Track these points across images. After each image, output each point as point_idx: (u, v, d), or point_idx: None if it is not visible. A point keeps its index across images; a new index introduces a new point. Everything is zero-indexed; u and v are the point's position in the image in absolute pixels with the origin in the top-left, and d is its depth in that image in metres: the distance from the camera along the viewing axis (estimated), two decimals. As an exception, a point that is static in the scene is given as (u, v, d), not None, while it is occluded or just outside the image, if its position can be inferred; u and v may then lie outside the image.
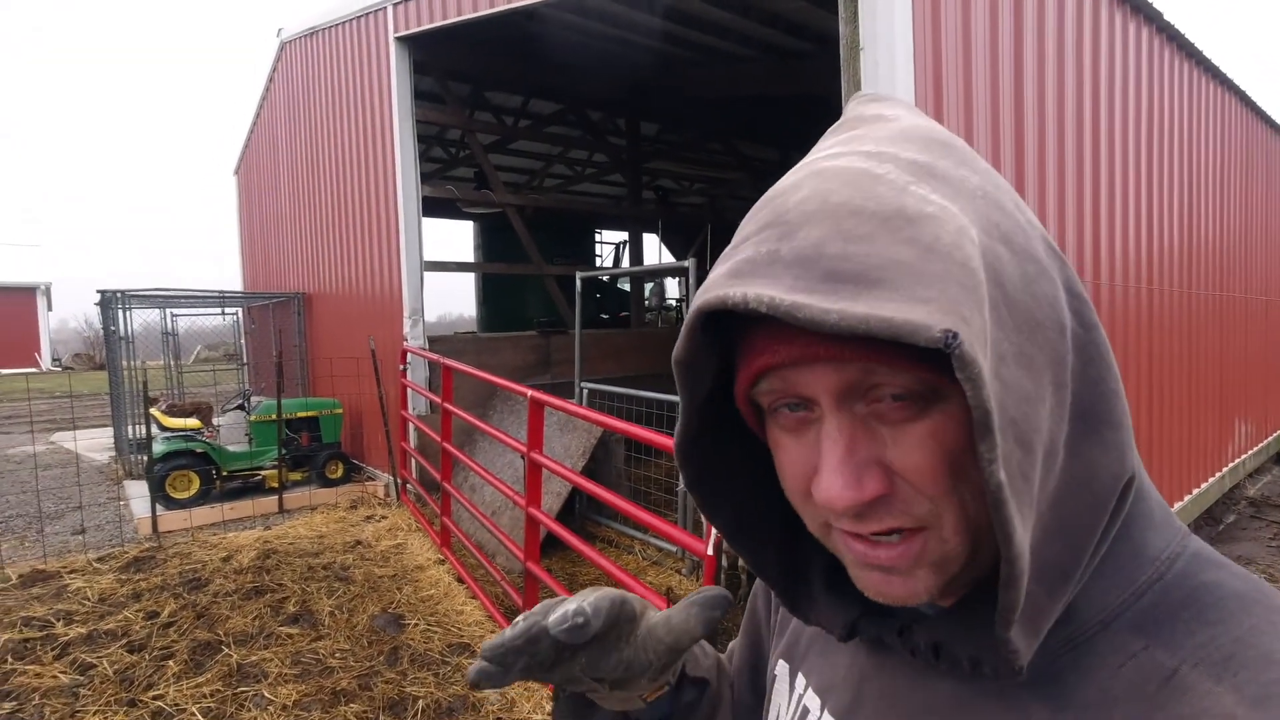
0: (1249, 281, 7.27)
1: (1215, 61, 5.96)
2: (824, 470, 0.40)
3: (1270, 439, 7.83)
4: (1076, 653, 0.41)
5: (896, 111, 0.47)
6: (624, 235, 14.08)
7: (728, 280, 0.39)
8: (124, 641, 3.63)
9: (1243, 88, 6.78)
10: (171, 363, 9.92)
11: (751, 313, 0.37)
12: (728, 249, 0.43)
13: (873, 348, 0.36)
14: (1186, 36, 5.30)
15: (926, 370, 0.37)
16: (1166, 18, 4.91)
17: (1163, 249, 5.23)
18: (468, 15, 5.55)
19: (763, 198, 0.43)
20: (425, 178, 6.76)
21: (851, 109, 0.49)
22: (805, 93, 7.16)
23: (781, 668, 0.63)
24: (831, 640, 0.55)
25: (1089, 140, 4.20)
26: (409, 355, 6.11)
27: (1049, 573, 0.39)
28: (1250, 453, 7.16)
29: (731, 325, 0.43)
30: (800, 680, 0.60)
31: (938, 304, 0.34)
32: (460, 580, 4.46)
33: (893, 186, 0.38)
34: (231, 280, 13.40)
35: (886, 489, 0.39)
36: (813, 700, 0.57)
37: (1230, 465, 6.59)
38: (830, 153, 0.43)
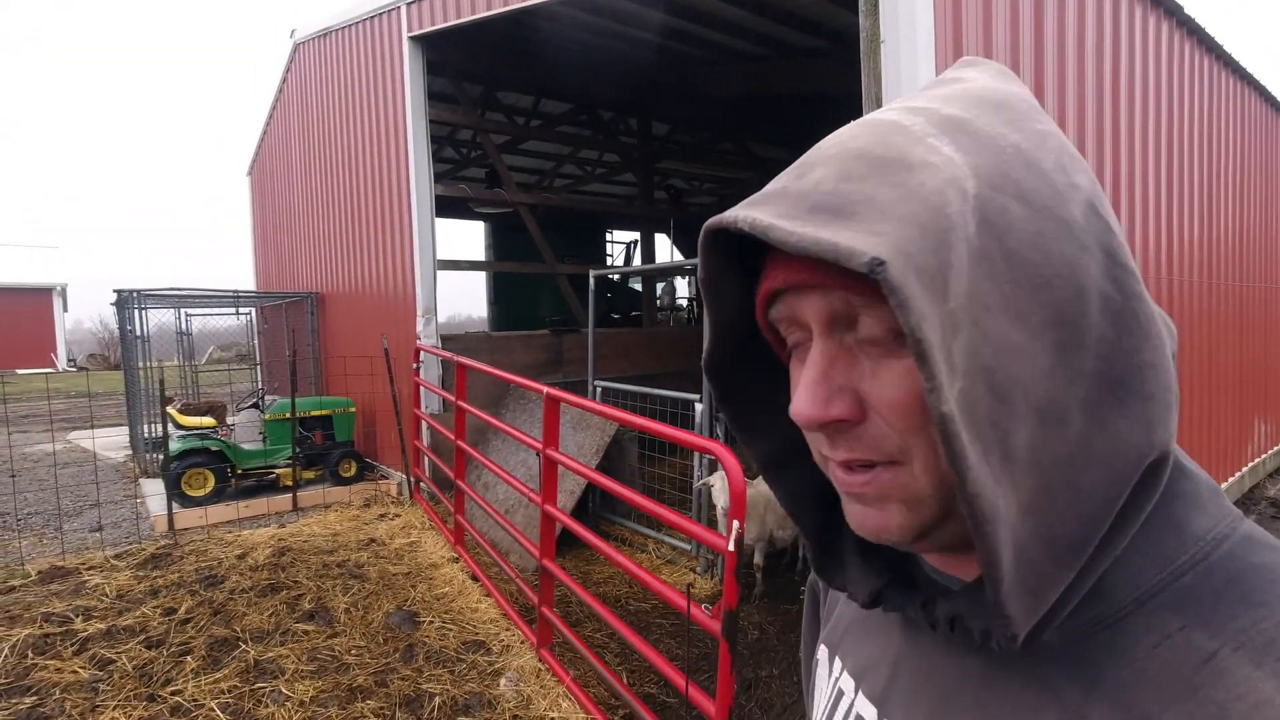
0: (1270, 275, 7.18)
1: (1235, 56, 5.88)
2: (800, 388, 0.43)
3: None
4: (1109, 632, 0.40)
5: (975, 74, 0.46)
6: (635, 235, 14.11)
7: (740, 207, 0.42)
8: (142, 637, 3.65)
9: (1263, 83, 6.70)
10: (186, 363, 10.00)
11: (742, 233, 0.41)
12: None
13: (850, 278, 0.39)
14: (1207, 31, 5.23)
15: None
16: (1187, 11, 4.85)
17: (1182, 242, 5.17)
18: (481, 14, 5.56)
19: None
20: (437, 177, 6.76)
21: (945, 72, 0.50)
22: (818, 91, 7.13)
23: (823, 652, 0.64)
24: (869, 623, 0.57)
25: (1109, 134, 4.15)
26: (422, 353, 6.12)
27: (1056, 543, 0.38)
28: (1270, 452, 7.06)
29: (759, 252, 0.45)
30: (838, 663, 0.60)
31: (886, 237, 0.36)
32: (474, 578, 4.46)
33: (911, 137, 0.40)
34: (244, 280, 13.49)
35: (854, 415, 0.41)
36: (848, 683, 0.57)
37: (1250, 465, 6.50)
38: (887, 107, 0.45)
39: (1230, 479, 5.98)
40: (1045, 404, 0.37)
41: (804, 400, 0.42)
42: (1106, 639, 0.40)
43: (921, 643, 0.50)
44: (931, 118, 0.41)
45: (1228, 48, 5.68)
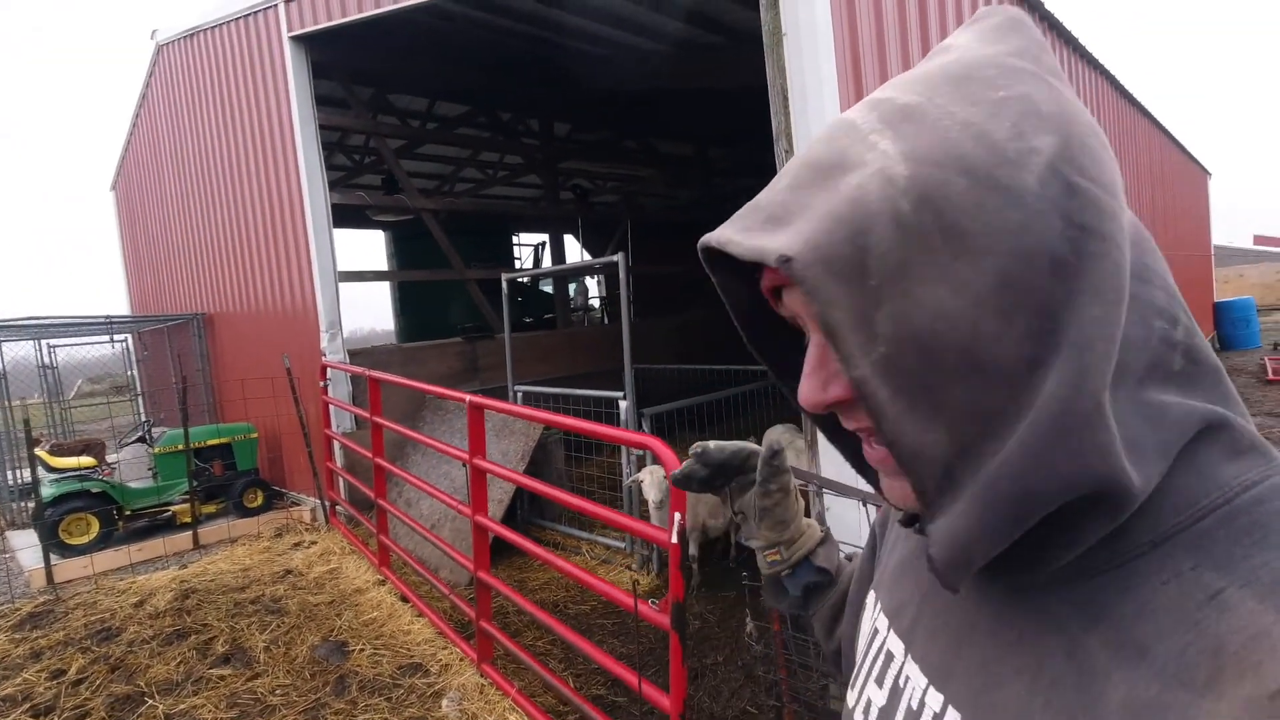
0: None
1: (1091, 50, 6.46)
2: (802, 376, 0.49)
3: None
4: (1123, 570, 0.41)
5: (966, 39, 0.47)
6: (543, 236, 13.94)
7: (725, 224, 0.49)
8: (27, 706, 3.28)
9: (1111, 71, 7.38)
10: (52, 399, 9.05)
11: (721, 249, 0.48)
12: None
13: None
14: (1065, 25, 5.71)
15: None
16: (1056, 16, 5.28)
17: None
18: (369, 12, 5.32)
19: None
20: (331, 185, 6.41)
21: (951, 35, 0.51)
22: (718, 86, 7.28)
23: (871, 597, 0.68)
24: (907, 567, 0.61)
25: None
26: (329, 370, 5.80)
27: (997, 484, 0.39)
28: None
29: None
30: (878, 606, 0.64)
31: (799, 233, 0.41)
32: (404, 599, 4.27)
33: (855, 136, 0.43)
34: (116, 304, 12.35)
35: (851, 395, 0.46)
36: (882, 621, 0.61)
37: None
38: (863, 100, 0.49)
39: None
40: (986, 363, 0.39)
41: (804, 389, 0.48)
42: (1118, 577, 0.41)
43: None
44: (885, 110, 0.43)
45: (1084, 43, 6.22)
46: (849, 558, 0.92)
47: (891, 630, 0.59)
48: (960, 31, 0.49)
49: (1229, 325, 13.94)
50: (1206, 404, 0.43)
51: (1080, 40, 6.16)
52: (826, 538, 0.88)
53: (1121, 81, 7.90)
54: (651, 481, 3.99)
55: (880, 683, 0.57)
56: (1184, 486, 0.41)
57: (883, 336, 0.39)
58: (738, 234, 0.45)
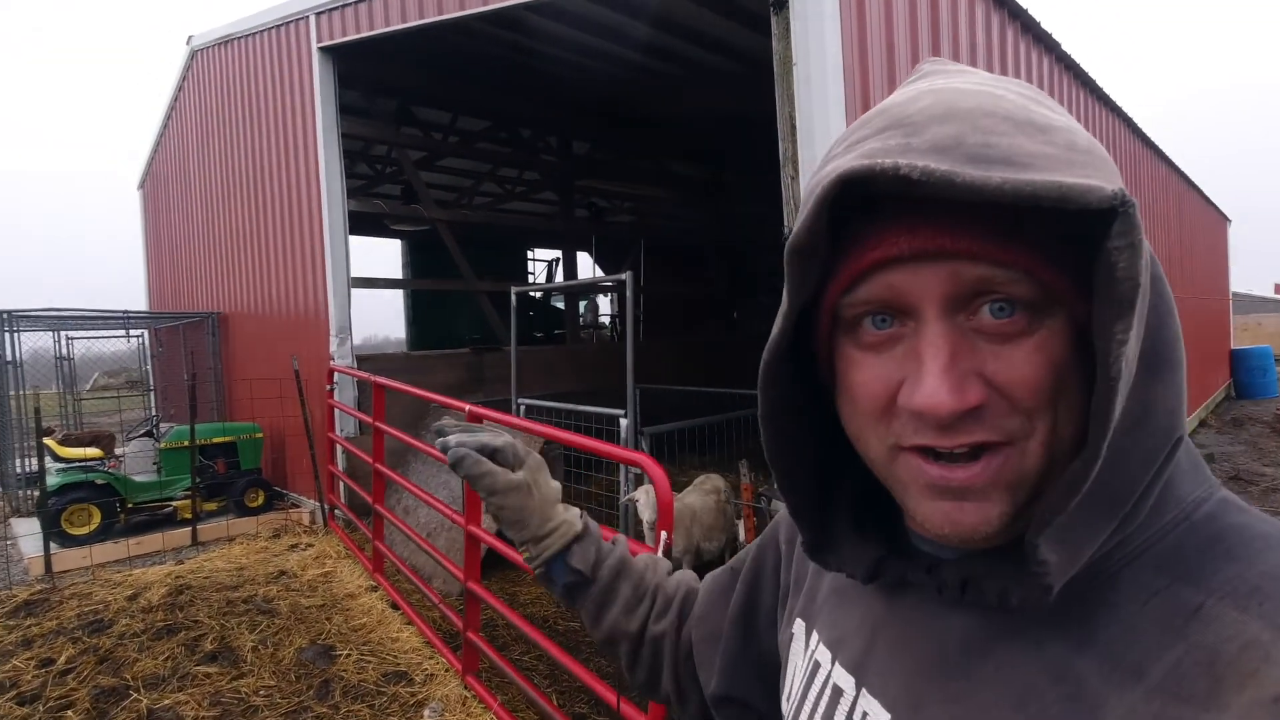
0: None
1: (1109, 93, 6.48)
2: (926, 376, 0.40)
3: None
4: (1099, 589, 0.41)
5: (943, 79, 0.47)
6: (556, 253, 14.06)
7: (863, 158, 0.38)
8: (13, 693, 3.28)
9: (1131, 117, 7.40)
10: (66, 390, 9.17)
11: (894, 184, 0.37)
12: (838, 148, 0.44)
13: (996, 243, 0.38)
14: (1080, 65, 5.74)
15: (1050, 271, 0.39)
16: (1064, 48, 5.32)
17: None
18: (396, 26, 5.45)
19: (873, 110, 0.44)
20: (351, 193, 6.53)
21: (919, 70, 0.51)
22: (733, 111, 7.36)
23: (799, 626, 0.63)
24: (846, 594, 0.56)
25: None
26: (336, 375, 5.85)
27: (1099, 500, 0.39)
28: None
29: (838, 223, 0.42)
30: (814, 636, 0.59)
31: (1101, 176, 0.36)
32: (395, 606, 4.27)
33: (1016, 104, 0.40)
34: (135, 300, 12.54)
35: (987, 400, 0.40)
36: (824, 654, 0.57)
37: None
38: (930, 85, 0.44)
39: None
40: (1131, 362, 0.39)
41: (941, 390, 0.39)
42: (1094, 597, 0.41)
43: (901, 610, 0.50)
44: (1012, 90, 0.42)
45: (1103, 85, 6.25)
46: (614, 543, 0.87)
47: (836, 663, 0.55)
48: (922, 77, 0.49)
49: (1245, 373, 13.77)
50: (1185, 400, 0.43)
51: (1097, 82, 6.19)
52: (584, 534, 0.82)
53: (1139, 125, 7.90)
54: (647, 501, 3.97)
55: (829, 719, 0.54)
56: (1154, 505, 0.42)
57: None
58: (960, 167, 0.36)
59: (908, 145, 0.38)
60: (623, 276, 4.80)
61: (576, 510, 0.86)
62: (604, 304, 14.95)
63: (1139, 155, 8.15)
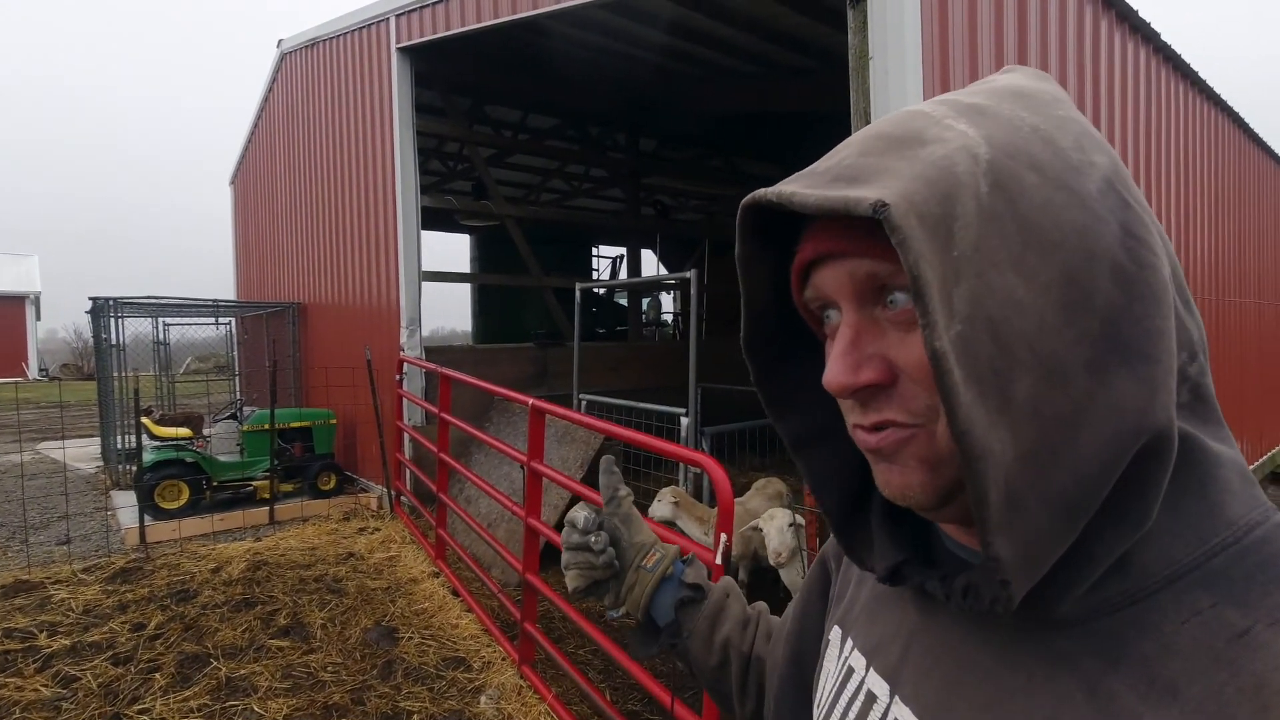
0: (1243, 292, 7.33)
1: (1210, 83, 6.04)
2: (830, 359, 0.46)
3: (1265, 457, 7.85)
4: (1137, 608, 0.40)
5: (1009, 76, 0.50)
6: (621, 250, 14.13)
7: (780, 184, 0.46)
8: (109, 654, 3.53)
9: (1236, 109, 6.88)
10: (162, 373, 9.81)
11: (771, 206, 0.45)
12: None
13: (875, 245, 0.42)
14: (1182, 57, 5.37)
15: None
16: (1163, 39, 4.98)
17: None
18: (471, 26, 5.57)
19: None
20: (424, 189, 6.73)
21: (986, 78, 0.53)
22: (806, 109, 7.21)
23: (835, 633, 0.65)
24: (883, 602, 0.58)
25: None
26: (405, 365, 6.05)
27: (1053, 499, 0.39)
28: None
29: (794, 238, 0.49)
30: (849, 643, 0.60)
31: (888, 188, 0.39)
32: (455, 593, 4.38)
33: (930, 120, 0.43)
34: (225, 290, 13.30)
35: (884, 378, 0.44)
36: (858, 660, 0.58)
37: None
38: (921, 104, 0.48)
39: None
40: (1049, 358, 0.38)
41: (836, 369, 0.45)
42: (1132, 615, 0.40)
43: (937, 620, 0.51)
44: (954, 105, 0.44)
45: (1202, 74, 5.83)
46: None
47: (872, 669, 0.55)
48: (1000, 74, 0.51)
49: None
50: (1169, 397, 0.41)
51: (1199, 74, 5.77)
52: (692, 559, 0.89)
53: (1249, 123, 7.34)
54: (773, 530, 3.32)
55: None
56: (1196, 522, 0.41)
57: (959, 314, 0.38)
58: (805, 188, 0.42)
59: (815, 168, 0.45)
60: (687, 275, 4.78)
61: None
62: (666, 302, 14.94)
63: (1244, 150, 7.56)
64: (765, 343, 0.56)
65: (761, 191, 0.46)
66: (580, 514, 0.88)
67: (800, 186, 0.43)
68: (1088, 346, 0.39)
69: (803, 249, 0.47)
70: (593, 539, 0.85)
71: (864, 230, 0.42)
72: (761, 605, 0.91)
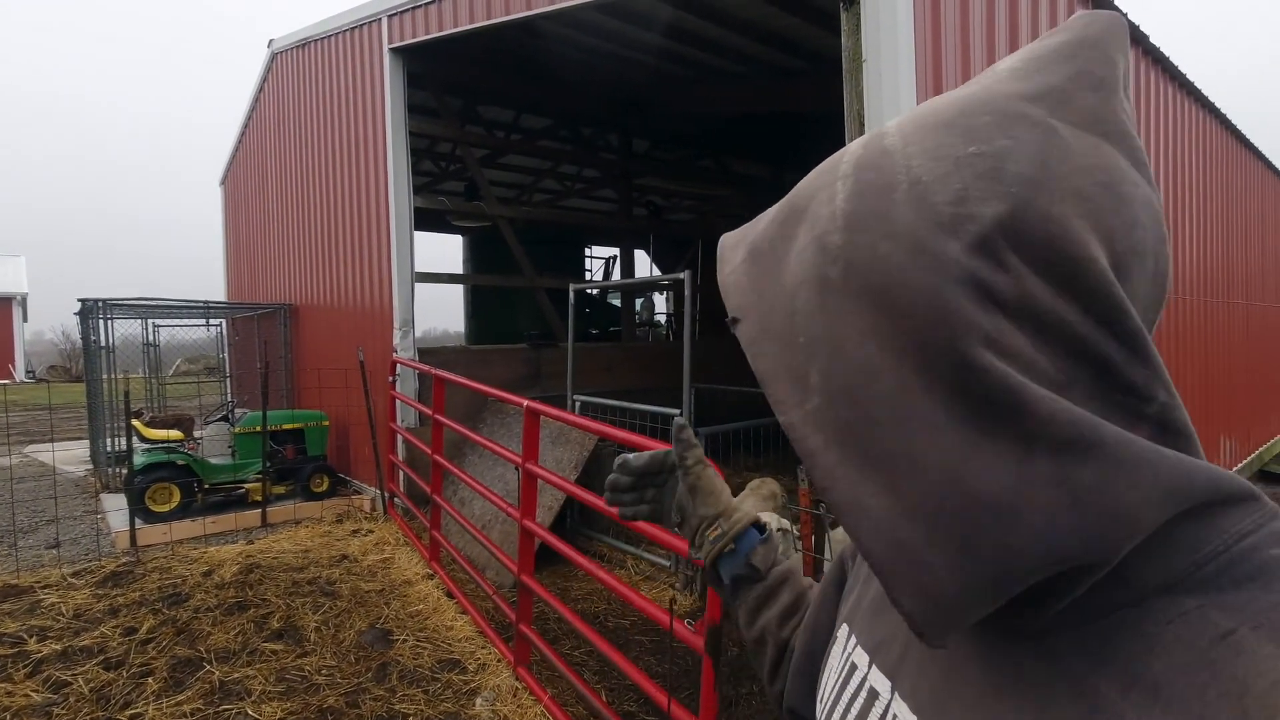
0: (1231, 293, 7.40)
1: (1198, 85, 6.09)
2: None
3: (1253, 455, 7.93)
4: (1125, 612, 0.41)
5: (1007, 65, 0.48)
6: (614, 250, 14.12)
7: (735, 231, 0.54)
8: (100, 658, 3.51)
9: (1223, 111, 6.94)
10: (152, 375, 9.74)
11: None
12: None
13: None
14: (1170, 59, 5.42)
15: None
16: (1151, 41, 5.02)
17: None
18: (464, 26, 5.56)
19: None
20: (416, 190, 6.71)
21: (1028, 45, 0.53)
22: (797, 110, 7.24)
23: (842, 630, 0.66)
24: (885, 601, 0.59)
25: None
26: (399, 366, 6.03)
27: (948, 548, 0.38)
28: (1235, 469, 7.23)
29: None
30: (853, 640, 0.62)
31: (748, 296, 0.48)
32: (450, 595, 4.37)
33: (826, 180, 0.46)
34: (215, 291, 13.22)
35: None
36: (861, 657, 0.59)
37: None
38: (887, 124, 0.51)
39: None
40: (917, 417, 0.39)
41: None
42: (1121, 618, 0.41)
43: None
44: (869, 150, 0.46)
45: (1190, 76, 5.88)
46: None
47: (874, 666, 0.57)
48: (1028, 47, 0.50)
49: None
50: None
51: (1195, 85, 5.83)
52: (769, 538, 0.90)
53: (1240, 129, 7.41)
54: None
55: None
56: (1190, 534, 0.41)
57: (816, 389, 0.42)
58: (730, 258, 0.51)
59: (756, 221, 0.52)
60: (681, 275, 4.79)
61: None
62: (660, 302, 14.94)
63: (1233, 152, 7.64)
64: None
65: (722, 240, 0.54)
66: (631, 464, 0.93)
67: (729, 249, 0.52)
68: (953, 405, 0.39)
69: None
70: (625, 497, 0.93)
71: None
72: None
